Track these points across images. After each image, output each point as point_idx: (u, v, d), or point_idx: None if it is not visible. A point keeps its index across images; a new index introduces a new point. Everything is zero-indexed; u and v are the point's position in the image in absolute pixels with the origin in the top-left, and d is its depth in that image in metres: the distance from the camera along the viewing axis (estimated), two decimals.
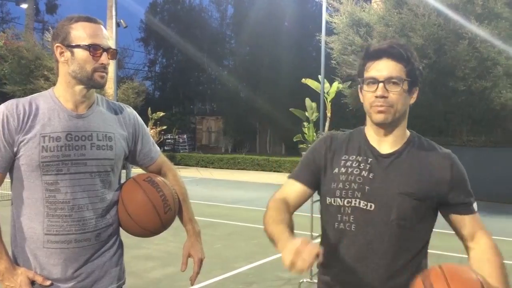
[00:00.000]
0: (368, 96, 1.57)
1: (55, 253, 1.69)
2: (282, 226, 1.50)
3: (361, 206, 1.55)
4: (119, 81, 19.91)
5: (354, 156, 1.63)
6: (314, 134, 13.67)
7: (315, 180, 1.67)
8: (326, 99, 13.56)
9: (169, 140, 24.82)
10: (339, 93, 13.08)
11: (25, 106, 1.69)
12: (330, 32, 12.39)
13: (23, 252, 1.71)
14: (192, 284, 1.98)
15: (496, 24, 9.73)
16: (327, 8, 13.31)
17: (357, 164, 1.60)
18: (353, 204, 1.56)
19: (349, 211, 1.57)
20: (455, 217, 1.60)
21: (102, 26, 1.76)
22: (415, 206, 1.53)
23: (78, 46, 1.69)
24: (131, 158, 1.94)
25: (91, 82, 1.73)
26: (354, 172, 1.59)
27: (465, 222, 1.59)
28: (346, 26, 11.51)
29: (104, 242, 1.79)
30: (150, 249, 6.10)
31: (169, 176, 2.01)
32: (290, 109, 14.54)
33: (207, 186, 13.88)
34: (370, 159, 1.60)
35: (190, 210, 2.04)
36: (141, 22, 30.28)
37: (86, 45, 1.69)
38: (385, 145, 1.61)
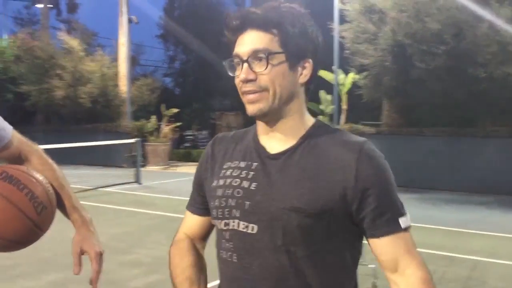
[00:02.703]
0: (236, 82, 1.15)
1: None
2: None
3: (240, 228, 1.13)
4: (135, 78, 19.80)
5: (237, 162, 1.20)
6: None
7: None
8: (341, 90, 13.03)
9: (189, 137, 24.64)
10: (353, 85, 12.54)
11: None
12: (341, 20, 11.86)
13: None
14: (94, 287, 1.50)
15: None
16: None
17: (238, 173, 1.18)
18: (231, 227, 1.15)
19: (228, 236, 1.16)
20: (369, 239, 1.13)
21: None
22: (307, 225, 1.08)
23: None
24: None
25: None
26: (233, 183, 1.16)
27: (382, 245, 1.11)
28: (358, 13, 10.94)
29: None
30: (140, 254, 5.77)
31: (32, 161, 1.54)
32: None
33: None
34: (255, 164, 1.17)
35: (72, 196, 1.56)
36: (159, 19, 30.14)
37: None
38: (275, 143, 1.18)
